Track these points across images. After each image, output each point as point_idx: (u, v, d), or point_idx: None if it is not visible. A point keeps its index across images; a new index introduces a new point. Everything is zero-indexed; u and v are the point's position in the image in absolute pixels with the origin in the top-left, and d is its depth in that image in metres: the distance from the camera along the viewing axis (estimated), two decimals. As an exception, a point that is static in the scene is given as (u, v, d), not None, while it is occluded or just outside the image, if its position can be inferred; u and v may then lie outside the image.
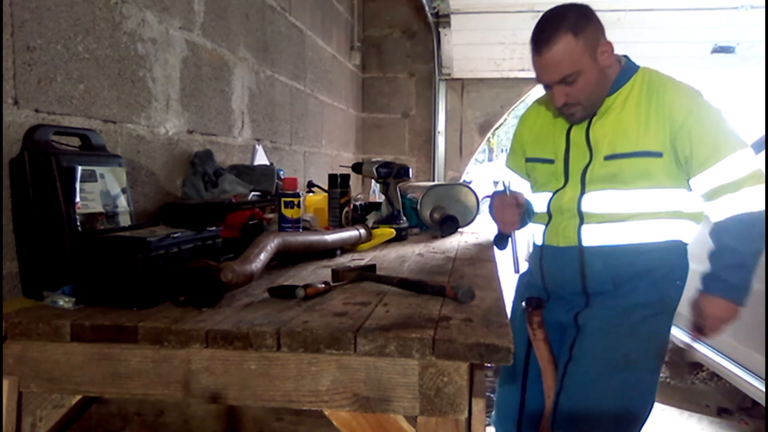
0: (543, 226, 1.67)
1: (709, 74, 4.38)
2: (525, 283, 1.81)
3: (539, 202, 1.68)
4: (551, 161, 1.63)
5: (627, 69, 1.57)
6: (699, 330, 1.55)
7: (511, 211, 1.66)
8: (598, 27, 1.50)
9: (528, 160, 1.73)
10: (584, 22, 1.46)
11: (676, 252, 1.58)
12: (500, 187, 1.75)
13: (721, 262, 1.51)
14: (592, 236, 1.56)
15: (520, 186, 1.78)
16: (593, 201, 1.55)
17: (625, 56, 1.62)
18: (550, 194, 1.63)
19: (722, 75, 4.42)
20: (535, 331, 1.60)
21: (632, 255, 1.53)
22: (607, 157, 1.52)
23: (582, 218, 1.56)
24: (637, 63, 1.60)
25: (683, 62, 4.23)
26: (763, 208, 1.46)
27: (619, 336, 1.52)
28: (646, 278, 1.54)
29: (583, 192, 1.56)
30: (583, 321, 1.57)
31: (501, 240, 1.76)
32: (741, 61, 4.20)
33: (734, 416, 3.07)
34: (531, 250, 1.79)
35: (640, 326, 1.53)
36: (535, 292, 1.73)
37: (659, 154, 1.48)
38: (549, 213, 1.64)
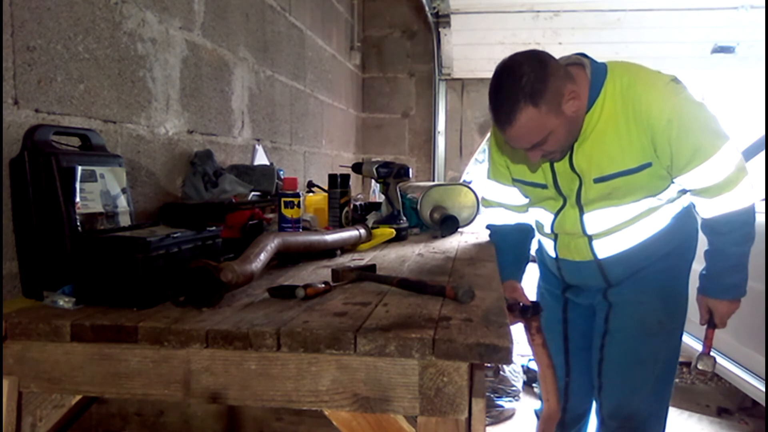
0: (552, 241, 1.69)
1: (709, 74, 4.38)
2: (545, 273, 1.87)
3: (541, 218, 1.69)
4: (544, 186, 1.61)
5: (595, 78, 1.46)
6: (710, 324, 1.65)
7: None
8: (558, 78, 1.37)
9: (515, 180, 1.68)
10: (541, 83, 1.34)
11: (686, 219, 1.62)
12: (492, 218, 1.81)
13: (717, 266, 1.55)
14: (606, 249, 1.59)
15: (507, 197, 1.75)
16: (595, 220, 1.56)
17: (585, 56, 1.51)
18: (552, 216, 1.63)
19: (722, 75, 4.41)
20: (534, 336, 1.62)
21: (649, 247, 1.58)
22: (597, 180, 1.50)
23: (590, 237, 1.58)
24: (633, 63, 1.50)
25: (683, 62, 4.23)
26: (750, 202, 1.47)
27: (650, 305, 1.61)
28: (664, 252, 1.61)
29: (582, 212, 1.56)
30: (613, 297, 1.65)
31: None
32: (741, 61, 4.19)
33: (734, 416, 3.06)
34: (538, 252, 1.82)
35: (666, 290, 1.61)
36: (555, 282, 1.79)
37: (648, 165, 1.46)
38: (554, 233, 1.65)
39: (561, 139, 1.43)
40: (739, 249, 1.51)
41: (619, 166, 1.46)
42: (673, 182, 1.51)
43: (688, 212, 1.63)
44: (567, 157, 1.52)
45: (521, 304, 1.62)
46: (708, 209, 1.50)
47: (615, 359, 1.65)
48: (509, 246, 1.77)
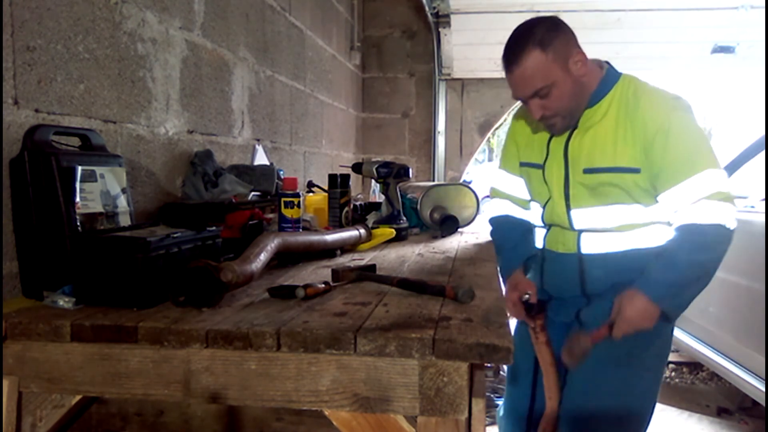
0: (544, 231, 1.68)
1: (709, 74, 4.38)
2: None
3: (535, 212, 1.69)
4: (540, 166, 1.62)
5: (608, 79, 1.52)
6: (609, 328, 1.45)
7: (517, 309, 1.62)
8: (568, 38, 1.47)
9: (522, 164, 1.70)
10: (552, 35, 1.44)
11: None
12: (497, 210, 1.78)
13: (658, 267, 1.42)
14: (591, 245, 1.57)
15: (517, 189, 1.74)
16: (582, 218, 1.55)
17: (607, 63, 1.58)
18: (541, 208, 1.64)
19: (722, 75, 4.41)
20: (537, 335, 1.60)
21: (631, 260, 1.52)
22: (586, 170, 1.51)
23: (579, 231, 1.57)
24: (637, 63, 1.53)
25: (683, 62, 4.22)
26: (716, 221, 1.37)
27: None
28: None
29: (568, 207, 1.56)
30: (585, 318, 1.59)
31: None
32: (741, 61, 4.19)
33: (734, 416, 3.07)
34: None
35: None
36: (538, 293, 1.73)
37: (637, 170, 1.45)
38: (545, 224, 1.65)
39: (564, 97, 1.46)
40: (692, 258, 1.38)
41: (609, 161, 1.48)
42: (657, 200, 1.48)
43: None
44: (564, 140, 1.55)
45: (526, 301, 1.60)
46: (679, 218, 1.43)
47: (578, 386, 1.57)
48: (513, 238, 1.74)
